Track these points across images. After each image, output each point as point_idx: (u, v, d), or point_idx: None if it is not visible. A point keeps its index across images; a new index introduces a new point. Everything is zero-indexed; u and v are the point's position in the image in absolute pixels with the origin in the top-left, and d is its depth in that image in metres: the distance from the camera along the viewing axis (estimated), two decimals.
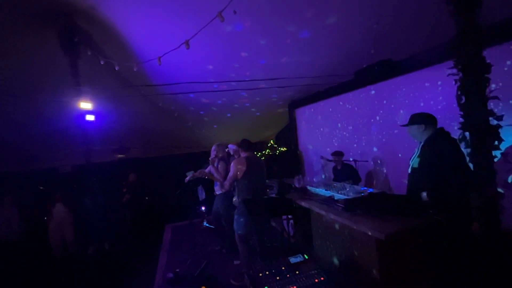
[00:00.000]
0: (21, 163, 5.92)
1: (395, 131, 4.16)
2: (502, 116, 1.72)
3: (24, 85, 4.10)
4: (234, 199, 3.40)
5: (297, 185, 3.58)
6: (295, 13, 3.13)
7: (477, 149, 1.75)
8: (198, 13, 2.96)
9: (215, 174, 3.63)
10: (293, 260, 2.27)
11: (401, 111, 4.05)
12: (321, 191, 3.25)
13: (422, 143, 2.30)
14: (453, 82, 1.85)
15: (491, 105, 1.78)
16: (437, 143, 2.15)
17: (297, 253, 2.36)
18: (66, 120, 4.22)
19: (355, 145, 5.04)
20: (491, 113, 1.73)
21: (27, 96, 4.14)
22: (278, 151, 8.71)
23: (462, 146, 1.90)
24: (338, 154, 4.43)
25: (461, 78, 1.80)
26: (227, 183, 3.22)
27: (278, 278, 2.04)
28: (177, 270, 3.49)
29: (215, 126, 7.24)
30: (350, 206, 2.46)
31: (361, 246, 2.33)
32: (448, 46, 1.86)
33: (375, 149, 4.61)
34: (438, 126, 2.27)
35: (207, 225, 5.36)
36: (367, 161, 4.55)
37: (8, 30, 3.25)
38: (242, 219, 3.11)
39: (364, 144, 4.86)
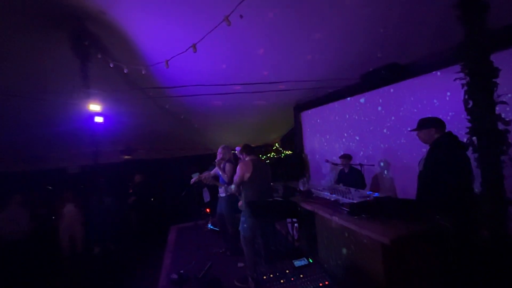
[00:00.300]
0: (30, 163, 6.04)
1: (403, 134, 4.13)
2: (511, 121, 1.70)
3: (35, 87, 4.21)
4: (239, 204, 3.40)
5: (302, 188, 3.57)
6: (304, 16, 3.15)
7: (484, 154, 1.73)
8: (206, 17, 3.01)
9: (221, 176, 3.65)
10: (297, 263, 2.26)
11: (408, 115, 4.02)
12: (326, 194, 3.24)
13: (430, 147, 2.31)
14: (461, 87, 1.84)
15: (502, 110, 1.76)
16: (444, 147, 2.16)
17: (301, 256, 2.35)
18: (75, 121, 4.30)
19: (361, 148, 5.01)
20: (499, 118, 1.71)
21: (37, 98, 4.25)
22: (283, 154, 8.70)
23: (470, 151, 1.88)
24: (346, 157, 4.40)
25: (468, 82, 1.79)
26: (234, 185, 3.24)
27: (282, 281, 2.04)
28: (181, 271, 3.50)
29: (220, 128, 7.29)
30: (356, 210, 2.44)
31: (366, 250, 2.31)
32: (455, 50, 1.85)
33: (381, 152, 4.57)
34: (447, 130, 2.27)
35: (212, 227, 5.37)
36: (373, 165, 4.51)
37: (20, 33, 3.34)
38: (247, 222, 3.12)
39: (370, 147, 4.82)
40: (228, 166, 3.83)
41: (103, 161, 3.99)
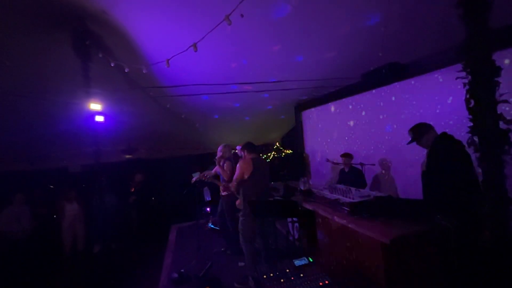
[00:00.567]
0: (32, 162, 6.07)
1: (404, 134, 4.10)
2: None
3: (36, 86, 4.22)
4: (237, 202, 3.39)
5: (302, 188, 3.57)
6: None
7: (486, 153, 1.72)
8: (207, 16, 3.00)
9: (221, 174, 3.65)
10: (297, 263, 2.26)
11: (409, 113, 4.00)
12: (327, 194, 3.23)
13: (430, 148, 2.35)
14: (462, 85, 1.82)
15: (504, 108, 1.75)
16: (444, 144, 2.22)
17: (301, 256, 2.35)
18: (76, 121, 4.32)
19: (362, 147, 5.00)
20: (501, 117, 1.70)
21: (39, 97, 4.26)
22: (283, 153, 8.70)
23: (471, 150, 1.87)
24: (347, 156, 4.40)
25: (470, 81, 1.77)
26: (233, 183, 3.23)
27: (282, 280, 2.04)
28: (182, 270, 3.51)
29: (221, 127, 7.29)
30: (356, 209, 2.44)
31: (366, 250, 2.31)
32: (457, 49, 1.84)
33: (382, 152, 4.56)
34: (448, 129, 2.29)
35: (212, 226, 5.38)
36: (374, 164, 4.50)
37: (21, 33, 3.35)
38: (246, 221, 3.11)
39: (371, 146, 4.81)
40: (227, 164, 3.85)
41: (104, 160, 4.00)
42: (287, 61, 4.15)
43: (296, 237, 4.12)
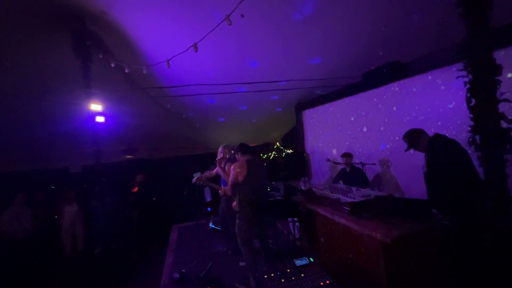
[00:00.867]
0: (33, 162, 6.08)
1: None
2: None
3: (36, 87, 4.23)
4: (233, 204, 3.34)
5: (303, 188, 3.56)
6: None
7: (487, 152, 1.71)
8: (207, 16, 3.01)
9: (222, 176, 3.64)
10: (298, 262, 2.26)
11: (410, 113, 4.00)
12: (327, 193, 3.23)
13: (427, 149, 2.42)
14: (463, 84, 1.82)
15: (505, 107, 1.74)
16: (441, 143, 2.29)
17: (302, 255, 2.35)
18: (77, 121, 4.32)
19: (363, 147, 4.99)
20: (502, 116, 1.69)
21: (39, 97, 4.27)
22: (284, 153, 8.69)
23: (472, 149, 1.86)
24: (348, 155, 4.39)
25: (470, 80, 1.77)
26: (228, 188, 3.16)
27: (283, 280, 2.04)
28: (183, 270, 3.51)
29: (221, 127, 7.29)
30: (357, 209, 2.44)
31: (367, 249, 2.30)
32: (457, 48, 1.83)
33: (383, 151, 4.55)
34: (449, 128, 2.30)
35: (213, 226, 5.38)
36: (374, 164, 4.49)
37: (21, 33, 3.35)
38: (241, 225, 3.07)
39: (372, 146, 4.80)
40: (229, 165, 3.83)
41: (104, 160, 3.99)
42: (285, 62, 4.15)
43: (297, 237, 4.12)
